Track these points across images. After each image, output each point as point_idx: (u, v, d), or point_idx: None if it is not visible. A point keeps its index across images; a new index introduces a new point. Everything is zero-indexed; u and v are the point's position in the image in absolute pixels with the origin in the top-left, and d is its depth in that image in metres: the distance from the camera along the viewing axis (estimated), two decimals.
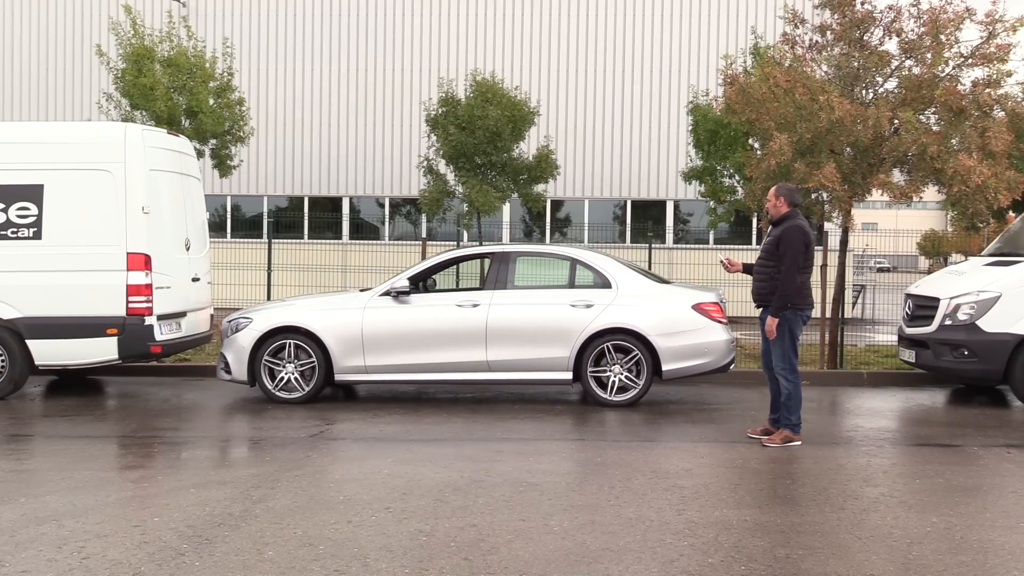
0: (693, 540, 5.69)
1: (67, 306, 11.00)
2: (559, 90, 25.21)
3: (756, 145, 15.19)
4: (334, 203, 26.98)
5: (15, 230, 11.06)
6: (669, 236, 25.26)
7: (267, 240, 17.60)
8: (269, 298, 16.32)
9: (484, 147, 19.35)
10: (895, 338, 13.20)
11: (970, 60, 12.47)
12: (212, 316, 13.10)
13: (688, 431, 9.62)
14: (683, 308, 10.69)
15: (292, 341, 10.79)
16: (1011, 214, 15.41)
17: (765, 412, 8.99)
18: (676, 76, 24.94)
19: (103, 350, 11.09)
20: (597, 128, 25.36)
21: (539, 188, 20.19)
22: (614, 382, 10.56)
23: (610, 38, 25.76)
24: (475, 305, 10.69)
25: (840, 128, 12.09)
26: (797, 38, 13.37)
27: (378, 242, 26.45)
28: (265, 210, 26.94)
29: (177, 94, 17.19)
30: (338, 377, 10.86)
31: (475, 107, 19.28)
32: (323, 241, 25.91)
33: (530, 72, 25.05)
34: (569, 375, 10.65)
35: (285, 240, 23.46)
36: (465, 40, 26.13)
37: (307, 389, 10.77)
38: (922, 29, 12.45)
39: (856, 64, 12.82)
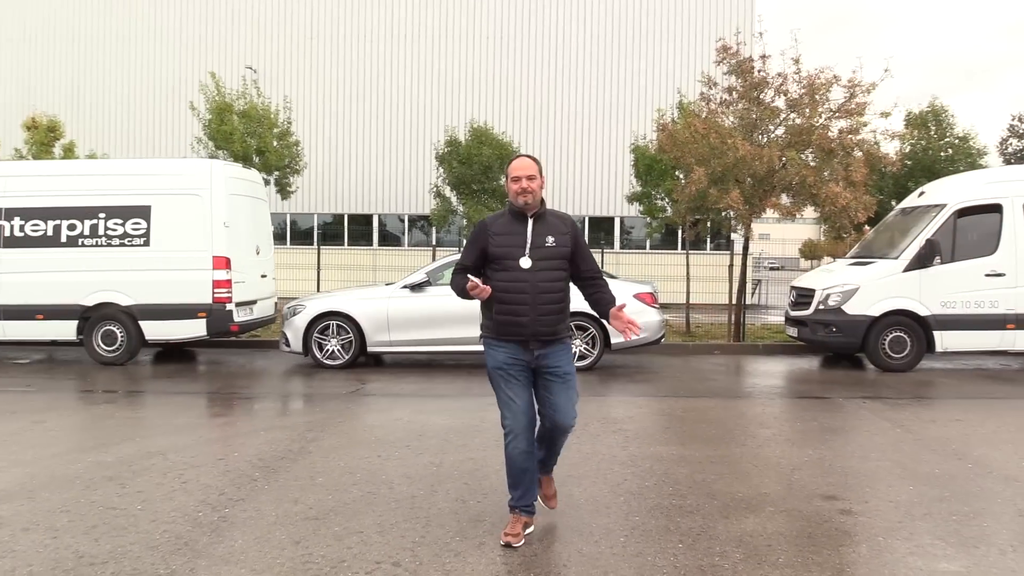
0: (634, 469, 5.73)
1: (169, 296, 11.01)
2: (534, 134, 25.20)
3: (681, 176, 15.25)
4: (367, 218, 26.93)
5: (131, 239, 11.07)
6: (616, 243, 25.37)
7: (316, 247, 17.60)
8: (318, 290, 16.28)
9: (479, 177, 19.35)
10: (783, 319, 13.29)
11: (837, 114, 12.56)
12: (276, 303, 13.09)
13: (630, 388, 9.67)
14: (627, 296, 10.69)
15: (335, 322, 10.80)
16: (867, 227, 15.53)
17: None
18: (622, 124, 24.95)
19: (195, 328, 11.10)
20: (563, 162, 25.34)
21: None
22: (575, 352, 10.59)
23: (573, 96, 25.79)
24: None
25: (743, 163, 12.16)
26: (711, 96, 13.43)
27: (400, 248, 26.44)
28: (315, 224, 26.87)
29: (249, 138, 17.16)
30: (370, 349, 10.86)
31: (472, 147, 19.29)
32: (358, 247, 25.87)
33: (513, 121, 25.04)
34: None
35: (330, 247, 23.39)
36: (464, 98, 26.10)
37: (346, 358, 10.77)
38: (802, 91, 12.53)
39: (754, 116, 12.90)
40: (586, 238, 23.26)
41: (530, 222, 4.16)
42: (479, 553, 4.12)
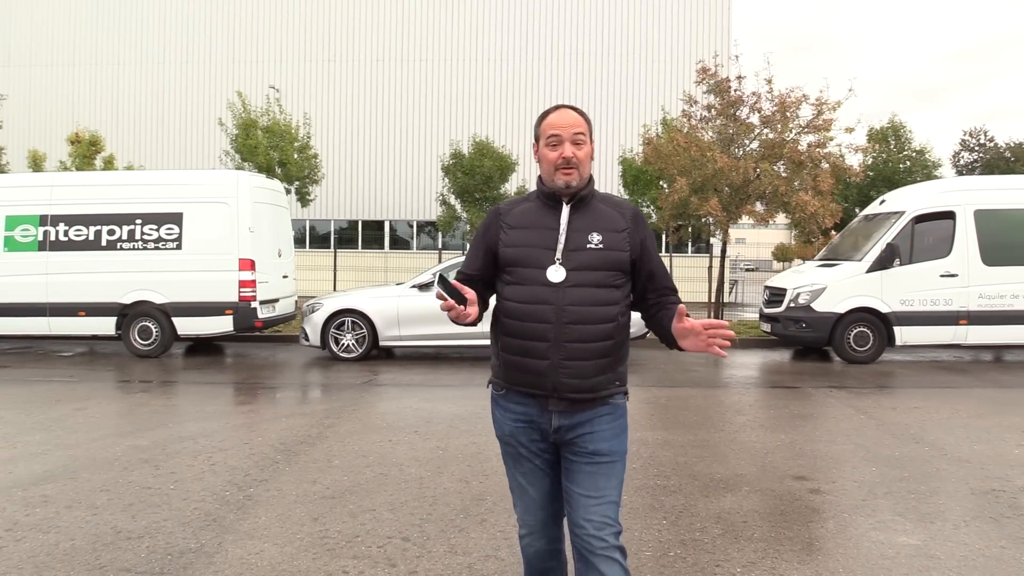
0: None
1: (199, 294, 11.00)
2: (530, 146, 25.22)
3: (665, 185, 15.25)
4: (379, 224, 26.93)
5: (164, 243, 11.06)
6: None
7: (333, 250, 17.58)
8: (335, 289, 16.26)
9: (481, 187, 19.37)
10: (758, 316, 13.29)
11: (806, 129, 12.57)
12: (296, 301, 13.09)
13: None
14: None
15: (350, 319, 10.78)
16: (833, 232, 15.53)
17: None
18: (611, 138, 24.98)
19: (223, 324, 11.08)
20: None
21: None
22: None
23: None
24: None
25: (721, 174, 12.16)
26: (692, 113, 13.44)
27: (409, 251, 26.43)
28: (332, 229, 26.86)
29: (272, 151, 17.14)
30: (381, 343, 10.84)
31: (475, 159, 19.30)
32: (371, 251, 25.86)
33: (512, 135, 25.05)
34: None
35: (345, 250, 23.39)
36: (468, 114, 26.10)
37: (360, 351, 10.76)
38: (774, 108, 12.53)
39: (731, 131, 12.90)
40: None
41: (565, 209, 2.39)
42: (481, 529, 4.10)
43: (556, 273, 2.31)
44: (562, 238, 2.35)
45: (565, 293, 2.31)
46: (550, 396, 2.35)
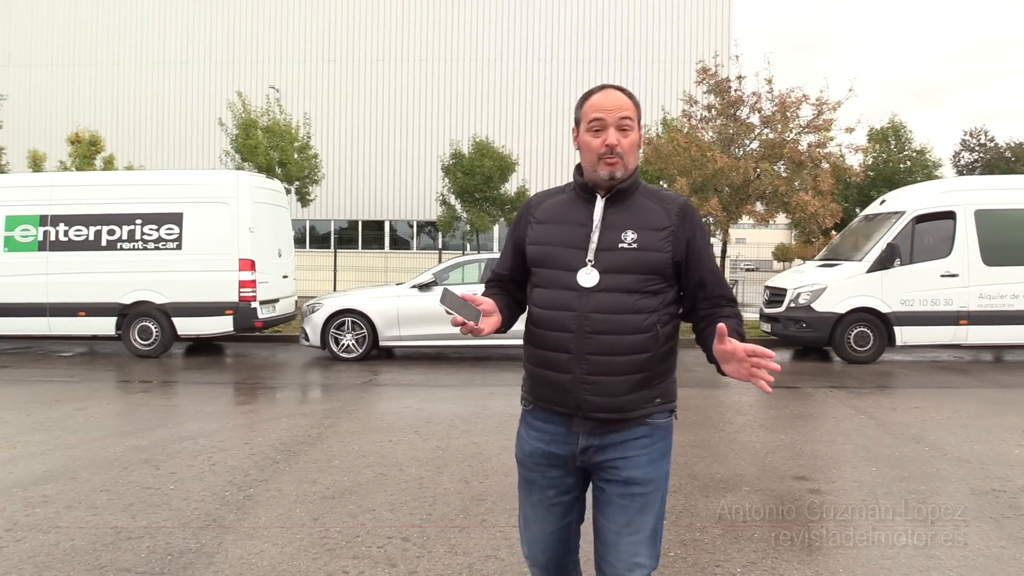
0: None
1: (199, 294, 10.99)
2: (529, 146, 25.26)
3: (665, 185, 15.25)
4: (379, 224, 26.95)
5: (164, 243, 11.06)
6: None
7: (333, 250, 17.58)
8: (335, 290, 16.25)
9: (481, 187, 19.39)
10: (758, 316, 13.27)
11: (806, 129, 12.57)
12: (296, 301, 13.08)
13: None
14: None
15: (350, 319, 10.77)
16: (833, 232, 15.53)
17: None
18: None
19: (223, 324, 11.08)
20: (557, 172, 25.38)
21: None
22: None
23: (566, 112, 25.78)
24: (474, 294, 10.66)
25: (721, 174, 12.17)
26: (692, 113, 13.44)
27: (409, 251, 26.45)
28: (332, 229, 26.88)
29: (272, 151, 17.16)
30: (382, 343, 10.83)
31: (475, 159, 19.32)
32: (371, 251, 25.87)
33: (513, 136, 25.06)
34: None
35: (345, 250, 23.39)
36: (468, 114, 26.11)
37: (360, 351, 10.75)
38: (775, 108, 12.54)
39: (731, 131, 12.90)
40: None
41: (599, 203, 2.10)
42: (481, 529, 4.10)
43: (588, 277, 2.03)
44: (595, 236, 2.06)
45: (589, 299, 2.02)
46: (574, 415, 2.09)
